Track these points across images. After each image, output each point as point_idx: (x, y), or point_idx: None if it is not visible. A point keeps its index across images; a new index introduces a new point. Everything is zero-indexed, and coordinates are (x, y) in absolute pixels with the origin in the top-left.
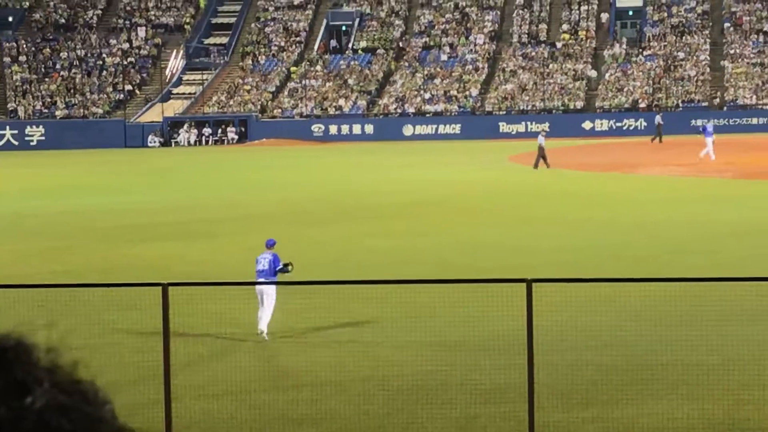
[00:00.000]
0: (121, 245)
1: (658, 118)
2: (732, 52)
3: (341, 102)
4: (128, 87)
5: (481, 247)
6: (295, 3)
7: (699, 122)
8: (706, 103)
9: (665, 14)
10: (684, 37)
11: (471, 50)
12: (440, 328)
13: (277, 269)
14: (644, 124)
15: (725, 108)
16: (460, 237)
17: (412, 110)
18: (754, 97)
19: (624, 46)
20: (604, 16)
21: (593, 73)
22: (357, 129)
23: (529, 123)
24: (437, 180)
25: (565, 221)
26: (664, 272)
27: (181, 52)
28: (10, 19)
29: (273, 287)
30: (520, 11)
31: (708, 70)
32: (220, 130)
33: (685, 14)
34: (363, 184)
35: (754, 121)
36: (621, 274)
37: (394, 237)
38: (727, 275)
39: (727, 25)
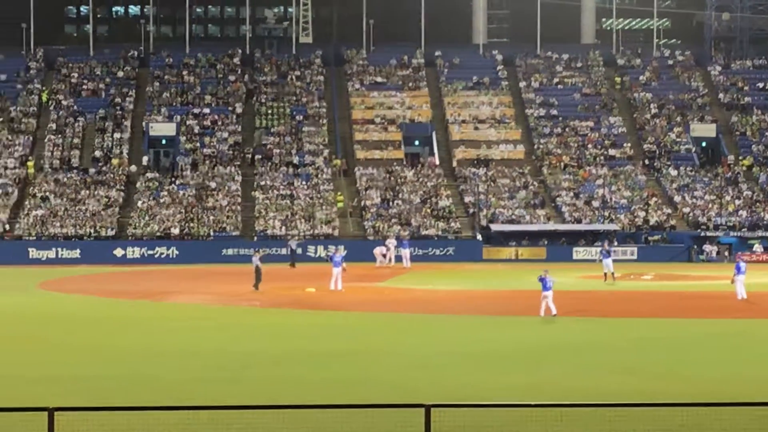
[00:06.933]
0: None
1: (292, 244)
2: (263, 183)
3: None
4: None
5: (2, 378)
6: None
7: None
8: (237, 233)
9: (198, 144)
10: (216, 168)
11: (1, 174)
12: None
13: None
14: (176, 252)
15: (255, 238)
16: None
17: None
18: (284, 227)
19: (157, 174)
20: (138, 144)
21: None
22: None
23: (59, 249)
24: None
25: (95, 349)
26: (190, 400)
27: None
28: None
29: None
30: (52, 136)
31: (239, 200)
32: None
33: (217, 145)
34: None
35: (283, 251)
36: (149, 402)
37: None
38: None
39: (258, 156)
